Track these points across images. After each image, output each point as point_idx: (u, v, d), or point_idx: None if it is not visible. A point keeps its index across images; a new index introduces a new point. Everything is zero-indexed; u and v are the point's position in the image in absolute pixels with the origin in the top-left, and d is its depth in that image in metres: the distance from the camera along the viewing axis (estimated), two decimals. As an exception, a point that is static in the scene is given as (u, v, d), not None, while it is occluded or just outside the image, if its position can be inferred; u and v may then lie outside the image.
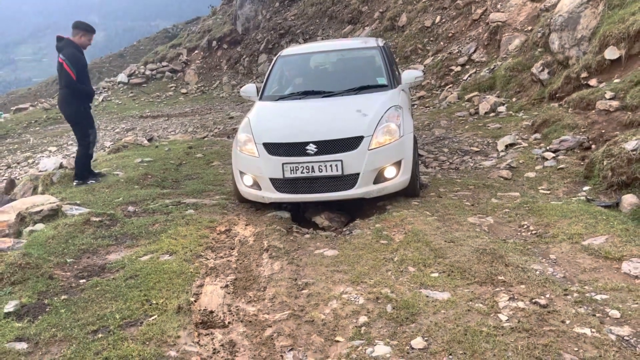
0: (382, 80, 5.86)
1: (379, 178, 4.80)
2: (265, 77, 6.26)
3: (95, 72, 32.54)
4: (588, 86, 7.47)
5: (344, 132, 4.78)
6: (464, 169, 6.48)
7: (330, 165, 4.66)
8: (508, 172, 6.05)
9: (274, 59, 6.60)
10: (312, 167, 4.68)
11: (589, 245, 3.75)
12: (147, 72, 22.84)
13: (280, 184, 4.81)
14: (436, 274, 3.43)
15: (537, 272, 3.39)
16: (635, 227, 4.04)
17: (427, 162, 6.93)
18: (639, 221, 4.26)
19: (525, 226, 4.35)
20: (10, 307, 3.21)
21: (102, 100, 20.62)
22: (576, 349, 2.53)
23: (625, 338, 2.61)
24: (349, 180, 4.72)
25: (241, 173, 5.12)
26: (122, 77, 22.93)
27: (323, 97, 5.61)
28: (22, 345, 2.85)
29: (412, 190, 5.14)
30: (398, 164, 4.84)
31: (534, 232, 4.21)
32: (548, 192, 5.36)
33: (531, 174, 5.89)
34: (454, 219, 4.49)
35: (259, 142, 4.93)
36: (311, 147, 4.69)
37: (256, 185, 4.99)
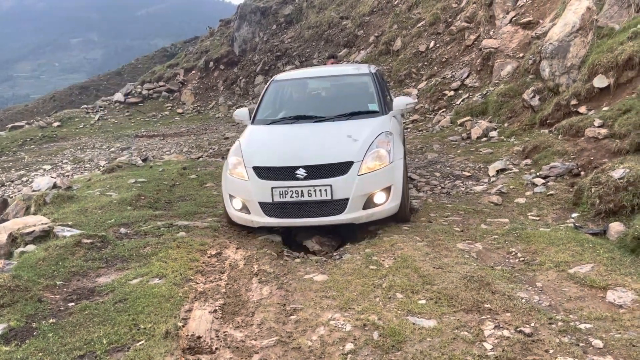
0: (374, 106, 5.87)
1: (369, 203, 4.80)
2: (258, 101, 6.28)
3: (92, 90, 32.75)
4: (578, 113, 7.60)
5: (333, 157, 4.79)
6: (455, 194, 6.54)
7: (320, 190, 4.67)
8: (498, 197, 6.11)
9: (268, 83, 6.61)
10: (302, 192, 4.68)
11: (575, 274, 3.79)
12: (144, 92, 23.03)
13: (269, 208, 4.81)
14: (423, 301, 3.45)
15: (523, 300, 3.43)
16: (621, 256, 4.09)
17: (419, 186, 6.99)
18: (625, 249, 4.30)
19: (513, 253, 4.39)
20: (-3, 330, 3.22)
21: (98, 119, 20.72)
22: (559, 379, 2.55)
23: (608, 368, 2.64)
24: (338, 205, 4.71)
25: (231, 196, 5.12)
26: (118, 96, 23.13)
27: (314, 122, 5.63)
28: (8, 370, 2.85)
29: (402, 217, 5.16)
30: (388, 189, 4.85)
31: (521, 259, 4.25)
32: (537, 218, 5.41)
33: (521, 200, 5.96)
34: (444, 245, 4.53)
35: (248, 165, 4.95)
36: (301, 172, 4.70)
37: (245, 209, 4.98)
